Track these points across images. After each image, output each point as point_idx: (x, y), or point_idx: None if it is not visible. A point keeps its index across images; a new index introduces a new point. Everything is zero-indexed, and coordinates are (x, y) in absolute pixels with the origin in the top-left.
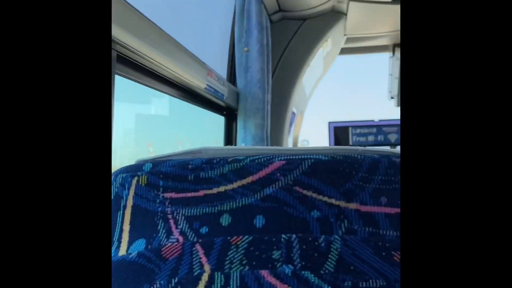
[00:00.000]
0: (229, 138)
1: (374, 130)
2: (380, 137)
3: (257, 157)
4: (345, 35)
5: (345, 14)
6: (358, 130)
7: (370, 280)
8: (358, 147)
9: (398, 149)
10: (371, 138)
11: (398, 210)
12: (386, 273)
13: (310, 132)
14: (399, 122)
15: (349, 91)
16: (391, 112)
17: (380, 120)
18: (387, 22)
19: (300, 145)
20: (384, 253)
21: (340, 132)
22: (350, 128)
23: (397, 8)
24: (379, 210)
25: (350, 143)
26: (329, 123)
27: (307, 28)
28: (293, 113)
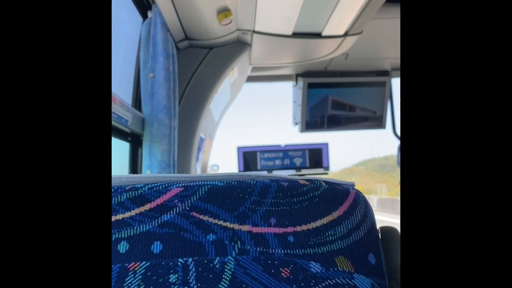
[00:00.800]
0: (134, 164)
1: (281, 154)
2: (286, 161)
3: (155, 184)
4: (250, 64)
5: (250, 45)
6: (266, 155)
7: None
8: (252, 173)
9: (286, 173)
10: (278, 162)
11: (285, 229)
12: None
13: (220, 156)
14: (303, 147)
15: (260, 116)
16: (296, 137)
17: (286, 145)
18: (289, 54)
19: (209, 170)
20: (273, 270)
21: (249, 157)
22: (258, 153)
23: (297, 42)
24: (269, 230)
25: (258, 167)
26: (238, 148)
27: (214, 57)
28: (201, 138)
